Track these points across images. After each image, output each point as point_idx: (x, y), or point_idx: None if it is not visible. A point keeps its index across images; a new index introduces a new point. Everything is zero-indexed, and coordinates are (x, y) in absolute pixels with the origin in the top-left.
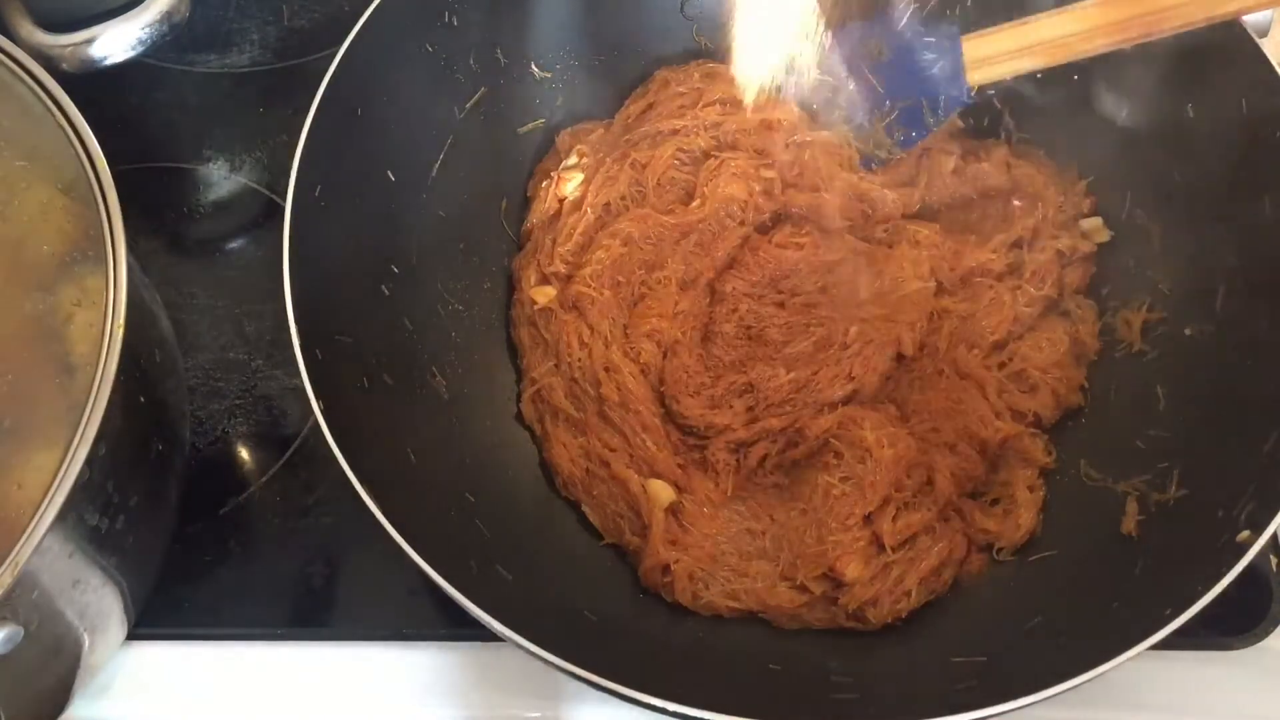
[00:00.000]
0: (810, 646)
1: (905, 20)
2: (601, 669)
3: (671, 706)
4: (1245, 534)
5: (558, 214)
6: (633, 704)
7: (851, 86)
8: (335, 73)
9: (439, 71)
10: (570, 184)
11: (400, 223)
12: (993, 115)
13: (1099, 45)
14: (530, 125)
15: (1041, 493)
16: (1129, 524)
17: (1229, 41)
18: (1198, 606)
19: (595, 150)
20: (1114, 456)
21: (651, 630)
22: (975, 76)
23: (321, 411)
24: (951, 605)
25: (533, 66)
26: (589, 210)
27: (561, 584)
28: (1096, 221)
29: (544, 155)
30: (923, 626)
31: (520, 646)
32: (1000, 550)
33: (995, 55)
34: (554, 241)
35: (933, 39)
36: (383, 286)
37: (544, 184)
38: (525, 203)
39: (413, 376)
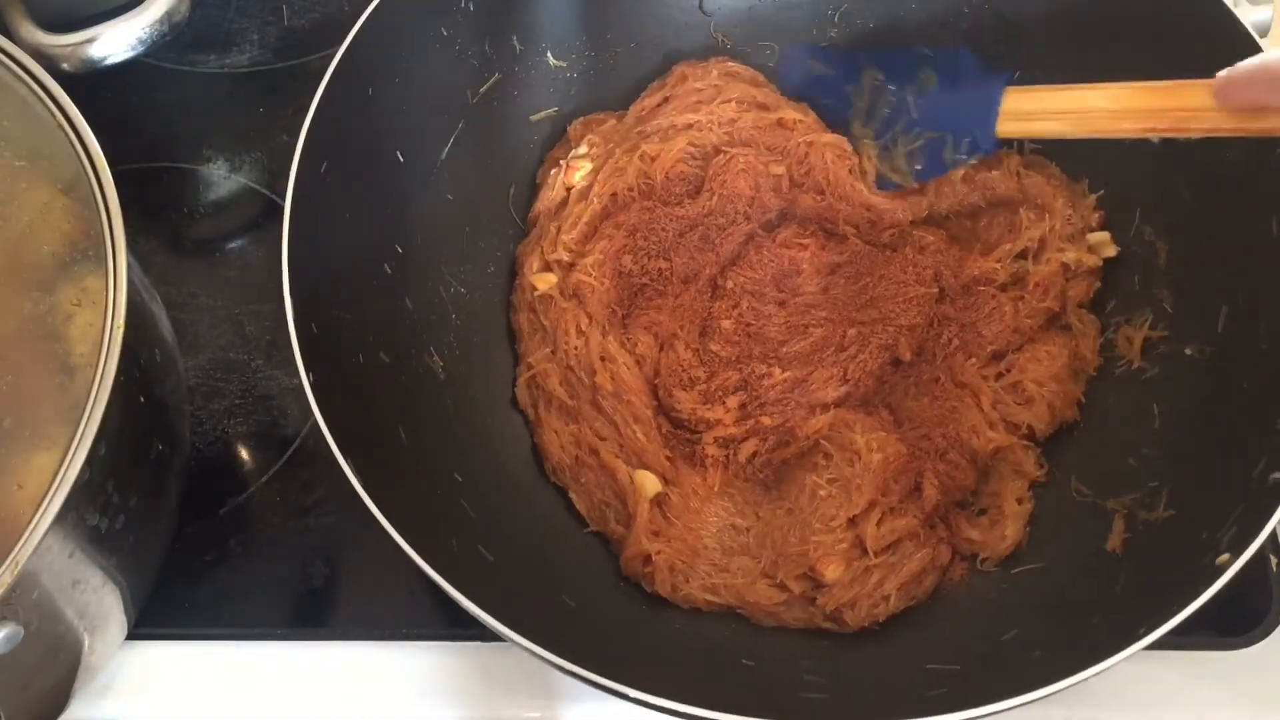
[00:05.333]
0: (785, 645)
1: (963, 56)
2: (571, 653)
3: (637, 694)
4: (1224, 557)
5: (564, 202)
6: (599, 689)
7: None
8: (349, 48)
9: (453, 55)
10: (579, 173)
11: (407, 203)
12: None
13: (1126, 129)
14: (543, 113)
15: (1029, 506)
16: (1114, 541)
17: (1229, 42)
18: (1168, 626)
19: (606, 140)
20: (1105, 473)
21: (627, 619)
22: (1004, 128)
23: (311, 385)
24: (931, 613)
25: (548, 55)
26: (595, 200)
27: (542, 568)
28: (1104, 236)
29: (555, 143)
30: (900, 632)
31: (489, 626)
32: (984, 561)
33: (1030, 112)
34: (559, 229)
35: (980, 81)
36: (385, 265)
37: (552, 171)
38: (534, 189)
39: (409, 355)
